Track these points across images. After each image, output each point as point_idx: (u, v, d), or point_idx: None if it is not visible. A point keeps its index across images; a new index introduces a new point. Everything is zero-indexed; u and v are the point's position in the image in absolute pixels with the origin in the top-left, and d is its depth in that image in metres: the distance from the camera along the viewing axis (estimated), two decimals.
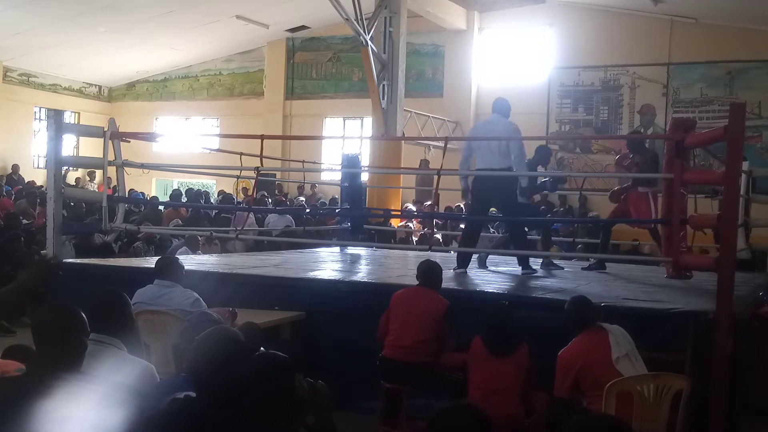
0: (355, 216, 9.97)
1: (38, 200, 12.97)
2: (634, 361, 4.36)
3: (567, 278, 7.32)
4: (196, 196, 15.69)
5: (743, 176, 7.58)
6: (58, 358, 2.67)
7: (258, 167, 7.59)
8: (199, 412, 2.52)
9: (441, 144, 13.56)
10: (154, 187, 20.38)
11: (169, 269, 5.49)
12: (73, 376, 2.62)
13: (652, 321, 5.26)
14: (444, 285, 5.75)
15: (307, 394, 2.66)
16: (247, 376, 2.57)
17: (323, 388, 2.76)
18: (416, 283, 5.55)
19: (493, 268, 7.93)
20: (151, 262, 6.81)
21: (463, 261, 7.52)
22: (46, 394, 2.49)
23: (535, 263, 7.83)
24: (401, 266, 8.46)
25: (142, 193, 17.34)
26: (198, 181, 20.53)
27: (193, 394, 2.71)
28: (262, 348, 3.24)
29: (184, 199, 15.45)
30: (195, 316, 4.07)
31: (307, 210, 14.51)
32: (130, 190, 10.38)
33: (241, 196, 16.39)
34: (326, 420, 2.74)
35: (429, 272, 5.51)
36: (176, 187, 18.15)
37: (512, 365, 4.79)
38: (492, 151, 7.21)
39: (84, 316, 2.84)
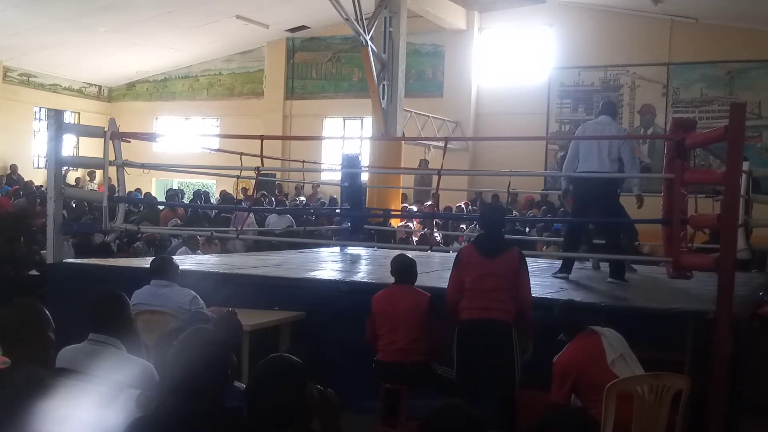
0: (355, 216, 9.96)
1: (38, 200, 12.95)
2: (630, 362, 4.35)
3: (567, 278, 7.29)
4: (201, 196, 15.68)
5: (743, 176, 7.57)
6: (25, 355, 2.67)
7: (258, 167, 7.59)
8: (181, 419, 2.47)
9: (441, 144, 13.58)
10: (155, 187, 20.36)
11: (165, 269, 5.50)
12: (68, 374, 2.62)
13: (652, 321, 5.26)
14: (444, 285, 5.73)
15: (315, 400, 2.63)
16: (260, 379, 2.53)
17: (333, 396, 2.73)
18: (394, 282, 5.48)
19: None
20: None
21: (566, 266, 7.22)
22: (41, 391, 2.48)
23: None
24: None
25: (138, 192, 17.21)
26: (198, 181, 20.53)
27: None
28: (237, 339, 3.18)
29: (185, 199, 15.43)
30: (188, 315, 4.06)
31: (310, 210, 14.49)
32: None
33: (241, 196, 16.37)
34: (334, 429, 2.72)
35: (403, 268, 5.45)
36: (176, 187, 18.11)
37: (501, 266, 5.00)
38: (601, 155, 7.06)
39: (47, 312, 2.86)
